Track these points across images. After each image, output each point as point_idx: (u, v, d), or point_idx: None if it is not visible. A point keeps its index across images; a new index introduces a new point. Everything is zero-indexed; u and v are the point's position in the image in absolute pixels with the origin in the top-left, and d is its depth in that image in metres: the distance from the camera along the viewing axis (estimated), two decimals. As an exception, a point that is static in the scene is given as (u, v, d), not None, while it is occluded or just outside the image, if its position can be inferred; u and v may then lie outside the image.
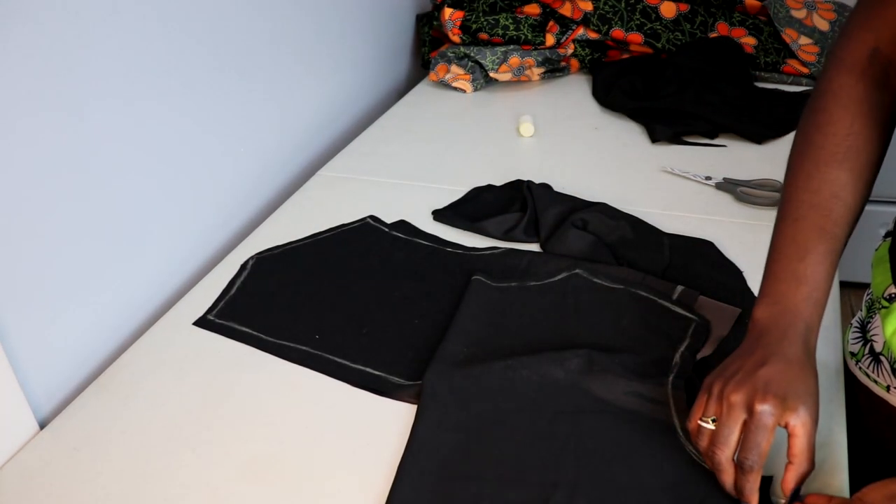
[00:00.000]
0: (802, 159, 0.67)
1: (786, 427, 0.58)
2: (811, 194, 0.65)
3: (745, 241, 0.99)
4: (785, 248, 0.65)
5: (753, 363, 0.61)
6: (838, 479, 0.66)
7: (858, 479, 0.67)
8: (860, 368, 0.77)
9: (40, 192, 0.77)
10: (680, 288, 0.88)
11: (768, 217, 1.04)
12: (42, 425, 0.78)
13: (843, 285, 0.93)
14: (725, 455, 0.59)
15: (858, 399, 0.78)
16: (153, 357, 0.85)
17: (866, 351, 0.76)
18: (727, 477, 0.60)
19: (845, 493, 0.65)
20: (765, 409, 0.58)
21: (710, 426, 0.61)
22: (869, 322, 0.76)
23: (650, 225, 1.02)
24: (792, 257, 0.64)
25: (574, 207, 1.04)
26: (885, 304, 0.73)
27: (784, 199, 0.67)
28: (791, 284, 0.63)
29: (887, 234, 0.76)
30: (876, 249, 0.79)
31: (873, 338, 0.75)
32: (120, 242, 0.89)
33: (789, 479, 0.59)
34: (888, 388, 0.74)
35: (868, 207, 0.70)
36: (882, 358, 0.73)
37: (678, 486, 0.64)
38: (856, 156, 0.66)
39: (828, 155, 0.66)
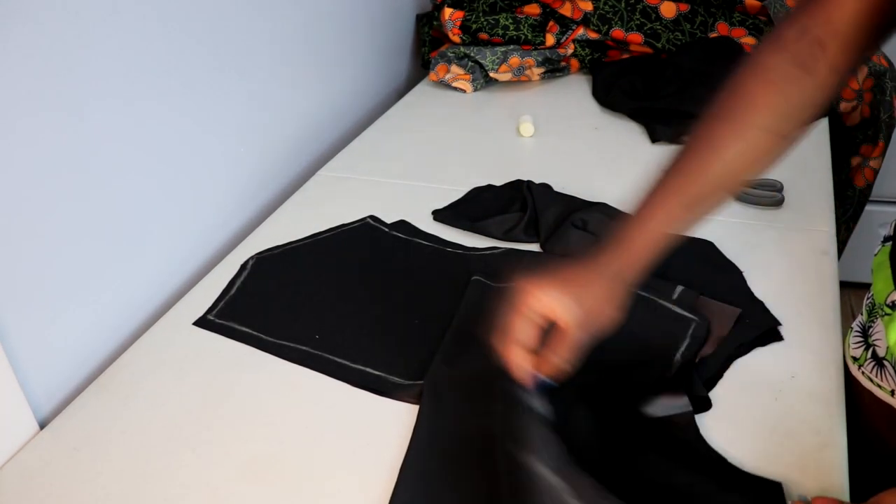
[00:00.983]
0: (706, 120, 0.70)
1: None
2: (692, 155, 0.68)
3: (745, 241, 0.99)
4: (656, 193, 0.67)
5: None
6: (838, 479, 0.66)
7: (858, 479, 0.67)
8: (863, 373, 0.76)
9: (40, 192, 0.77)
10: (680, 288, 0.88)
11: (768, 217, 1.04)
12: (42, 425, 0.78)
13: (843, 285, 0.93)
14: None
15: (860, 402, 0.77)
16: (153, 357, 0.85)
17: (869, 355, 0.75)
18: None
19: (845, 494, 0.65)
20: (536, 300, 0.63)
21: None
22: (870, 327, 0.76)
23: (650, 225, 1.02)
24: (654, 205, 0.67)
25: (574, 207, 1.04)
26: (889, 311, 0.73)
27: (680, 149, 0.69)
28: (637, 227, 0.66)
29: (886, 239, 0.76)
30: (875, 254, 0.78)
31: (876, 342, 0.75)
32: (120, 242, 0.89)
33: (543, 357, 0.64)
34: (892, 393, 0.74)
35: (868, 207, 0.70)
36: (886, 363, 0.73)
37: (688, 486, 0.64)
38: (747, 120, 0.66)
39: (725, 120, 0.68)
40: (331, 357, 0.82)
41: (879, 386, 0.75)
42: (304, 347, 0.84)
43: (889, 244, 0.75)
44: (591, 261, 0.66)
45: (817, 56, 0.64)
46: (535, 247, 1.00)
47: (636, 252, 0.66)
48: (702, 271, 0.92)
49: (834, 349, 0.80)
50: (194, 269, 1.02)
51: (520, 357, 0.64)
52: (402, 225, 1.05)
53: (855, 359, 0.78)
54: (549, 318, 0.64)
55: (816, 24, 0.63)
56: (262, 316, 0.89)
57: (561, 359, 0.64)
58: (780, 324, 0.84)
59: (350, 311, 0.90)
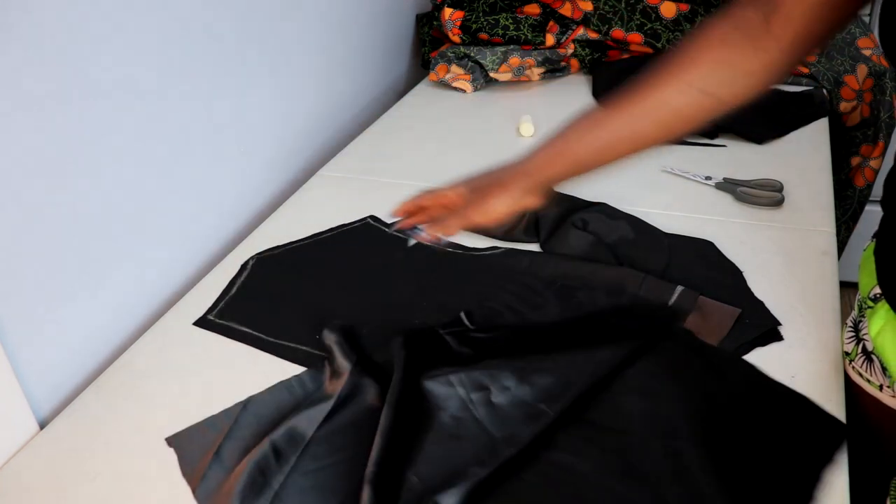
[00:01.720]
0: (650, 71, 0.73)
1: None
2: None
3: (745, 241, 0.99)
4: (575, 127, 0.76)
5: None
6: (839, 478, 0.66)
7: (859, 479, 0.67)
8: (854, 368, 0.77)
9: (40, 192, 0.77)
10: (680, 288, 0.88)
11: (768, 217, 1.04)
12: (42, 425, 0.78)
13: (844, 285, 0.93)
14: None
15: (854, 398, 0.78)
16: (153, 357, 0.85)
17: (859, 350, 0.76)
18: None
19: (846, 493, 0.65)
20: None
21: None
22: (860, 321, 0.76)
23: (650, 225, 1.02)
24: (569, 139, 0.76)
25: (574, 207, 1.04)
26: (871, 303, 0.74)
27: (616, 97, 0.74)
28: (551, 144, 0.77)
29: (874, 235, 0.77)
30: (864, 249, 0.79)
31: (865, 337, 0.75)
32: (120, 243, 0.89)
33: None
34: (881, 388, 0.74)
35: (868, 207, 0.71)
36: (874, 357, 0.74)
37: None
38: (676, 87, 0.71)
39: (659, 77, 0.72)
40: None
41: (868, 381, 0.75)
42: (304, 347, 0.84)
43: (875, 240, 0.75)
44: (504, 166, 0.78)
45: (764, 29, 0.65)
46: (535, 247, 1.00)
47: (543, 163, 0.76)
48: (702, 271, 0.92)
49: (834, 349, 0.80)
50: (194, 269, 1.02)
51: (409, 206, 0.81)
52: (402, 225, 1.05)
53: (847, 354, 0.78)
54: (447, 201, 0.79)
55: (773, 2, 0.64)
56: (262, 316, 0.89)
57: (442, 222, 0.78)
58: (780, 324, 0.84)
59: (350, 311, 0.90)
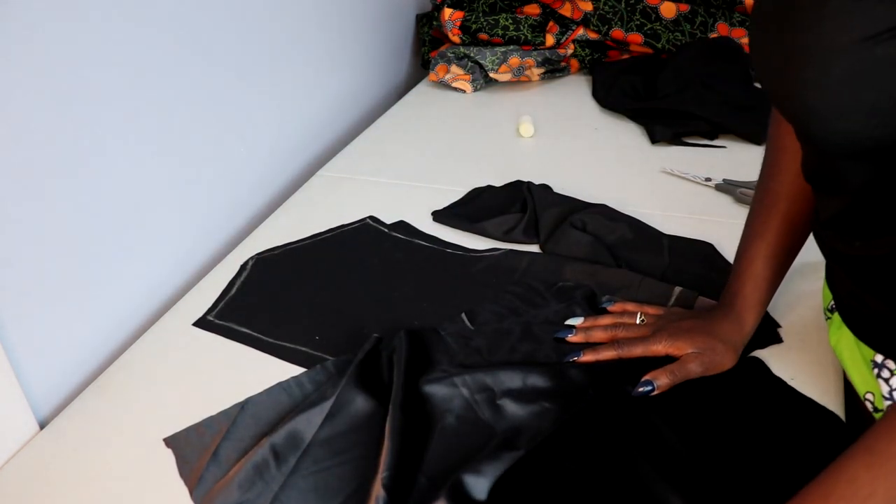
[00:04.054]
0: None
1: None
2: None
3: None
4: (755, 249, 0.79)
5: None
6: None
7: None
8: None
9: (40, 192, 0.77)
10: (678, 289, 0.88)
11: (768, 218, 1.04)
12: (42, 425, 0.78)
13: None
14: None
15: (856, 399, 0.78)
16: (153, 357, 0.85)
17: None
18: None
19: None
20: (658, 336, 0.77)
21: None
22: None
23: (649, 226, 1.02)
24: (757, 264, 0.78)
25: (573, 208, 1.04)
26: (829, 314, 0.76)
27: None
28: (751, 288, 0.78)
29: None
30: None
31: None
32: (120, 243, 0.89)
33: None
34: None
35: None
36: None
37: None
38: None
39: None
40: (329, 358, 0.82)
41: None
42: (303, 348, 0.84)
43: None
44: (716, 317, 0.78)
45: None
46: (534, 248, 1.00)
47: (750, 312, 0.78)
48: (700, 272, 0.92)
49: (834, 353, 0.80)
50: (194, 269, 1.02)
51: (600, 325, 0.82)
52: (402, 226, 1.05)
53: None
54: (674, 352, 0.76)
55: None
56: (262, 317, 0.89)
57: (670, 376, 0.74)
58: (779, 325, 0.84)
59: (349, 311, 0.90)
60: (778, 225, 0.76)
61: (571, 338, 0.81)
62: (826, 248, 0.67)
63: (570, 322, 0.83)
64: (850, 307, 0.68)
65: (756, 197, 0.78)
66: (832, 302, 0.75)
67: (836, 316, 0.72)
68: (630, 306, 0.84)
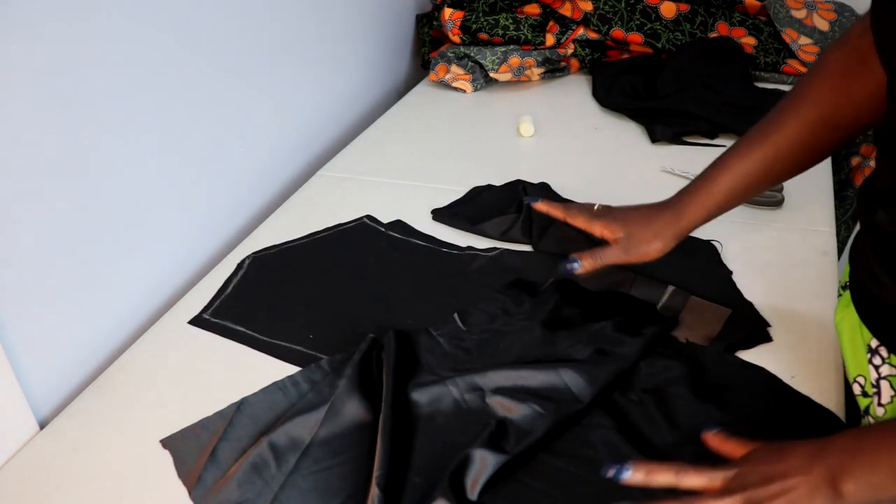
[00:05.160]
0: (772, 110, 0.78)
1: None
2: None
3: (745, 241, 0.99)
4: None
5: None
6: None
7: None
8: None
9: (40, 192, 0.77)
10: (671, 288, 0.88)
11: (768, 217, 1.04)
12: (42, 425, 0.78)
13: (844, 285, 0.93)
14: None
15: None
16: (153, 357, 0.85)
17: None
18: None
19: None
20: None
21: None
22: None
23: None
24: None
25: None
26: (841, 291, 0.76)
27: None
28: (705, 192, 0.81)
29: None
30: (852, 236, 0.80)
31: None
32: (119, 243, 0.89)
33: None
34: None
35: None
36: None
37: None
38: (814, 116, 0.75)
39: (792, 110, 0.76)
40: (324, 357, 0.82)
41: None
42: (298, 347, 0.84)
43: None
44: (659, 207, 0.83)
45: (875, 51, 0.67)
46: (530, 247, 1.00)
47: (693, 209, 0.81)
48: (691, 270, 0.92)
49: (834, 349, 0.80)
50: (194, 269, 1.02)
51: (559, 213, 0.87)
52: (398, 225, 1.05)
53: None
54: (600, 232, 0.83)
55: None
56: (257, 315, 0.89)
57: (597, 258, 0.82)
58: (769, 325, 0.84)
59: (344, 310, 0.90)
60: (762, 153, 0.76)
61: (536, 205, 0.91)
62: (866, 219, 0.66)
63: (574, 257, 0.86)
64: (864, 287, 0.67)
65: (757, 124, 0.78)
66: (847, 280, 0.74)
67: (847, 295, 0.72)
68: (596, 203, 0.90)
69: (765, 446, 0.61)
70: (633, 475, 0.60)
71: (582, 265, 0.82)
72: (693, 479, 0.59)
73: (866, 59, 0.68)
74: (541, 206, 0.90)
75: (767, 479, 0.57)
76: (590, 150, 1.27)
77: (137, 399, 0.79)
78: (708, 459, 0.66)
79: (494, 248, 0.99)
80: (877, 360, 0.67)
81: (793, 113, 0.75)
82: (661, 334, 0.81)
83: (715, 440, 0.64)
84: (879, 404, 0.66)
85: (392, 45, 1.59)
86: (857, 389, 0.70)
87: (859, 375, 0.69)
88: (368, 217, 1.07)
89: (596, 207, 0.88)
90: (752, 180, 0.78)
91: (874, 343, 0.67)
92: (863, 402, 0.69)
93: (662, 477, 0.60)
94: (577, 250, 0.96)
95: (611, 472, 0.60)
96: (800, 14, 1.50)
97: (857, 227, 0.74)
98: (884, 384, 0.66)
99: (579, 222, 0.86)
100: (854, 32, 0.71)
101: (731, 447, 0.63)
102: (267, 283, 0.95)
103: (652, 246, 0.81)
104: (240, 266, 0.98)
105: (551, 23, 1.55)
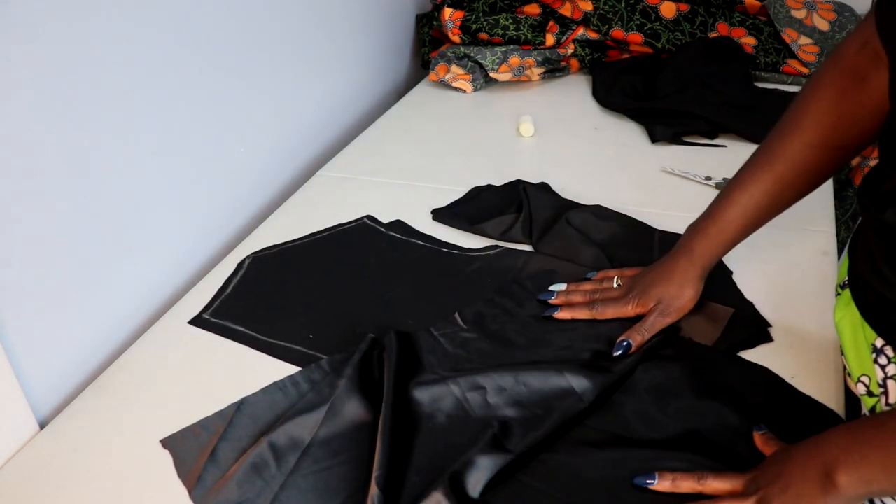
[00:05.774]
0: (768, 135, 0.79)
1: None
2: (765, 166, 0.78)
3: (745, 241, 0.98)
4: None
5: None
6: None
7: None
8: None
9: (40, 192, 0.77)
10: None
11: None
12: (42, 425, 0.78)
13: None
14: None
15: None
16: (152, 357, 0.85)
17: None
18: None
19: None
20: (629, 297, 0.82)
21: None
22: None
23: (641, 222, 1.02)
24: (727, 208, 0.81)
25: (567, 208, 1.04)
26: (839, 290, 0.76)
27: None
28: (716, 229, 0.82)
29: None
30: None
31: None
32: (119, 243, 0.89)
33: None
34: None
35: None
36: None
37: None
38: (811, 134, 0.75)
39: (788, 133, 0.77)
40: (324, 357, 0.82)
41: (849, 374, 0.75)
42: (297, 347, 0.84)
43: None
44: (673, 257, 0.83)
45: (875, 66, 0.68)
46: (530, 247, 1.00)
47: (707, 248, 0.81)
48: None
49: (834, 349, 0.80)
50: (194, 269, 1.02)
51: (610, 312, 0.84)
52: (398, 225, 1.05)
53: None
54: (640, 310, 0.82)
55: (873, 37, 0.66)
56: (257, 315, 0.89)
57: (643, 332, 0.80)
58: (769, 325, 0.84)
59: (344, 310, 0.90)
60: (767, 183, 0.77)
61: (553, 300, 0.87)
62: (871, 218, 0.66)
63: (552, 288, 0.88)
64: (868, 285, 0.67)
65: (756, 151, 0.79)
66: (846, 279, 0.74)
67: (847, 293, 0.72)
68: (611, 272, 0.89)
69: (781, 448, 0.65)
70: (660, 482, 0.64)
71: (634, 345, 0.79)
72: (715, 485, 0.64)
73: (864, 77, 0.69)
74: (563, 314, 0.85)
75: (776, 478, 0.61)
76: (590, 150, 1.27)
77: (137, 399, 0.79)
78: (709, 460, 0.66)
79: (495, 248, 0.99)
80: (882, 360, 0.67)
81: (794, 138, 0.75)
82: (663, 334, 0.81)
83: (760, 440, 0.68)
84: (887, 404, 0.66)
85: (392, 45, 1.59)
86: (861, 389, 0.70)
87: (863, 375, 0.69)
88: (368, 217, 1.07)
89: (616, 283, 0.87)
90: (761, 212, 0.79)
91: (879, 342, 0.67)
92: (868, 402, 0.69)
93: (686, 484, 0.64)
94: (574, 250, 0.96)
95: (639, 481, 0.65)
96: (800, 14, 1.50)
97: (856, 226, 0.74)
98: (891, 384, 0.66)
99: (609, 314, 0.84)
100: (850, 49, 0.71)
101: (769, 449, 0.66)
102: (267, 283, 0.95)
103: (684, 298, 0.82)
104: (240, 266, 0.98)
105: (551, 23, 1.55)
